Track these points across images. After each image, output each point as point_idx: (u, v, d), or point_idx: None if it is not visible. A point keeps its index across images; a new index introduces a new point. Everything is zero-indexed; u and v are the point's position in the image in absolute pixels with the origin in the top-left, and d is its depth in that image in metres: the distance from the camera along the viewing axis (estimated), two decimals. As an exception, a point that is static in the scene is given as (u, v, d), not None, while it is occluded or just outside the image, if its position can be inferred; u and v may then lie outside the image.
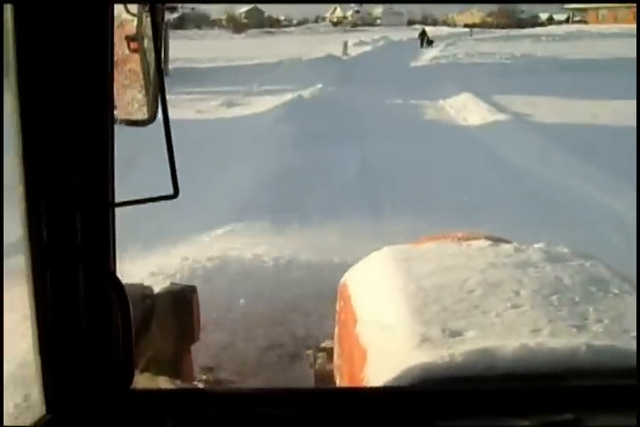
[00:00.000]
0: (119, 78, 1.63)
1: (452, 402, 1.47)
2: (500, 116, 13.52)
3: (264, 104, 15.92)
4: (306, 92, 17.55)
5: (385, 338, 1.91)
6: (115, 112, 1.32)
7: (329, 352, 2.99)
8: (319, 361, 3.13)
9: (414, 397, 1.51)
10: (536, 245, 2.46)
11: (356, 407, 1.42)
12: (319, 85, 19.01)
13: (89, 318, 1.28)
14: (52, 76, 1.18)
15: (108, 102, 1.26)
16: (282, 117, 13.62)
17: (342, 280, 2.63)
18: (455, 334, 1.83)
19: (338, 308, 2.60)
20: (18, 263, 1.27)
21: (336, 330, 2.60)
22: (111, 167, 1.28)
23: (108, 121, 1.25)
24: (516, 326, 1.86)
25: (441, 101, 16.76)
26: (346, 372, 2.16)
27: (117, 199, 1.30)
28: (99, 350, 1.30)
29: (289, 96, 16.74)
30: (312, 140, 10.97)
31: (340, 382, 2.30)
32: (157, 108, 1.65)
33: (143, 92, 1.68)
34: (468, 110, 14.95)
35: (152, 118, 1.71)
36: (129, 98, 1.75)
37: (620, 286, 2.12)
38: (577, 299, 2.03)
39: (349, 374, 2.08)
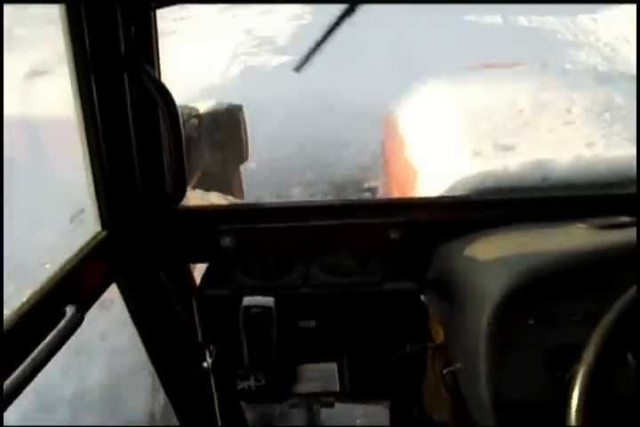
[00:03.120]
0: None
1: (508, 209, 1.47)
2: None
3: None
4: None
5: (436, 157, 1.91)
6: None
7: (374, 193, 3.03)
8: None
9: (470, 205, 1.52)
10: (585, 67, 2.40)
11: (411, 216, 1.42)
12: None
13: (139, 133, 1.27)
14: None
15: None
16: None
17: (386, 111, 2.60)
18: (507, 148, 1.82)
19: (384, 137, 2.60)
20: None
21: (383, 159, 2.61)
22: None
23: None
24: (570, 141, 1.85)
25: None
26: (398, 189, 2.18)
27: None
28: (150, 166, 1.30)
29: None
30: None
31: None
32: None
33: None
34: None
35: None
36: None
37: None
38: (629, 116, 1.99)
39: (402, 189, 2.10)
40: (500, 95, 2.19)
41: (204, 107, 1.90)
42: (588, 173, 1.66)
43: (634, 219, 1.44)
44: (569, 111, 2.02)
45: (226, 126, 1.97)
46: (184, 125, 1.64)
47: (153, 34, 1.25)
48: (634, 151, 1.74)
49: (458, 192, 1.66)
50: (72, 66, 1.16)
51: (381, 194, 2.55)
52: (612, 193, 1.60)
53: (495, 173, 1.68)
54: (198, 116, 1.75)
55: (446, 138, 1.95)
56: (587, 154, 1.73)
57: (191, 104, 1.80)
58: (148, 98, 1.28)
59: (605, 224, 1.36)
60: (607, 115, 2.00)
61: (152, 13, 1.21)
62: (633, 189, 1.63)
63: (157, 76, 1.24)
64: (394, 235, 1.34)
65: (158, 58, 1.30)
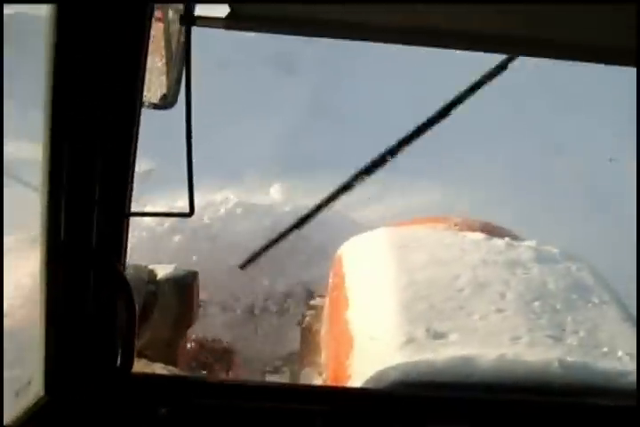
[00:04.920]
0: None
1: (428, 408, 1.58)
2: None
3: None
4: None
5: (372, 331, 2.02)
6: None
7: (318, 311, 3.12)
8: (307, 319, 3.26)
9: (391, 400, 1.62)
10: (528, 243, 2.55)
11: (334, 406, 1.53)
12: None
13: (94, 306, 1.37)
14: (83, 80, 1.20)
15: (134, 119, 1.29)
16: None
17: (338, 253, 2.72)
18: (439, 336, 1.93)
19: (331, 281, 2.70)
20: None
21: (327, 302, 2.71)
22: (131, 179, 1.33)
23: (133, 138, 1.30)
24: (497, 333, 1.97)
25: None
26: (332, 352, 2.28)
27: None
28: (100, 336, 1.39)
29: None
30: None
31: (325, 360, 2.42)
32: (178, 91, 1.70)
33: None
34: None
35: (173, 101, 1.76)
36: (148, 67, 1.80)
37: (600, 296, 2.22)
38: (558, 306, 2.13)
39: (335, 356, 2.20)
40: (443, 266, 2.32)
41: (162, 271, 2.01)
42: (506, 375, 1.78)
43: None
44: (503, 296, 2.15)
45: (181, 292, 2.09)
46: (141, 292, 1.74)
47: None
48: (553, 353, 1.87)
49: (383, 382, 1.76)
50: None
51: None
52: (526, 399, 1.72)
53: (422, 367, 1.79)
54: (156, 282, 1.85)
55: (383, 314, 2.06)
56: (509, 353, 1.85)
57: (150, 266, 1.90)
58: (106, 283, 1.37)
59: None
60: (537, 304, 2.13)
61: None
62: (546, 398, 1.75)
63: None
64: (319, 423, 1.44)
65: (125, 253, 1.41)
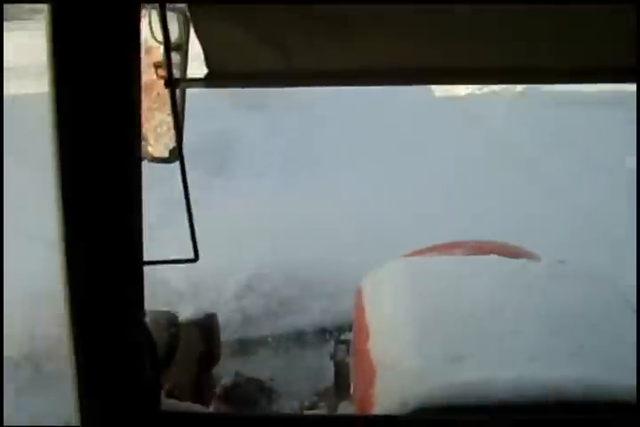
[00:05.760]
0: (147, 103, 1.74)
1: None
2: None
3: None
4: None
5: (391, 359, 2.07)
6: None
7: (348, 345, 3.16)
8: (339, 354, 3.30)
9: (413, 426, 1.66)
10: (544, 263, 2.58)
11: None
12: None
13: (119, 351, 1.44)
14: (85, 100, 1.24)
15: (138, 168, 1.35)
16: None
17: (358, 288, 2.77)
18: (456, 359, 1.97)
19: (354, 314, 2.76)
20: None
21: (352, 336, 2.76)
22: (141, 227, 1.41)
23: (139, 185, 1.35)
24: (515, 353, 2.00)
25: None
26: (359, 383, 2.33)
27: None
28: (127, 377, 1.46)
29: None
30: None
31: (353, 391, 2.47)
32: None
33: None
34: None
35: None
36: (157, 122, 1.87)
37: (621, 313, 2.23)
38: (576, 324, 2.15)
39: (361, 386, 2.25)
40: (460, 292, 2.36)
41: (183, 314, 2.09)
42: (524, 395, 1.81)
43: None
44: (519, 317, 2.18)
45: (202, 333, 2.18)
46: (162, 334, 1.81)
47: None
48: (573, 371, 1.89)
49: (405, 408, 1.80)
50: None
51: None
52: (546, 418, 1.75)
53: (441, 391, 1.84)
54: (177, 325, 1.92)
55: (402, 343, 2.10)
56: (528, 372, 1.87)
57: (173, 311, 1.98)
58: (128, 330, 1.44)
59: None
60: (555, 323, 2.15)
61: None
62: (565, 416, 1.78)
63: None
64: None
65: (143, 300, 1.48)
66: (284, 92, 6.08)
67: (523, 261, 2.59)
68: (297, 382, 4.01)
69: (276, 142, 7.19)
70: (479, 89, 8.85)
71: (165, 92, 1.75)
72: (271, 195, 5.72)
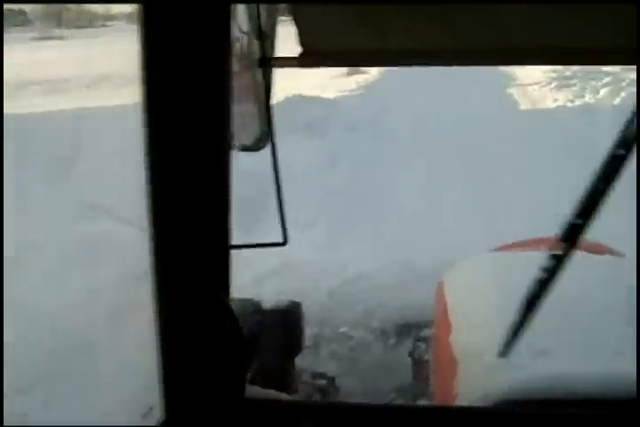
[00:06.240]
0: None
1: (532, 425, 1.61)
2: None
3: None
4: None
5: (474, 352, 2.06)
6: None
7: (428, 342, 3.16)
8: (417, 351, 3.30)
9: (495, 418, 1.66)
10: (628, 260, 2.53)
11: (439, 425, 1.57)
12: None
13: (207, 340, 1.48)
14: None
15: (227, 156, 1.39)
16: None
17: (440, 283, 2.77)
18: (539, 353, 1.95)
19: (435, 308, 2.76)
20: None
21: (433, 330, 2.76)
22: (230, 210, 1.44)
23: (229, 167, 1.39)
24: (599, 348, 1.97)
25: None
26: (439, 378, 2.33)
27: None
28: (211, 364, 1.50)
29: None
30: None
31: (434, 384, 2.47)
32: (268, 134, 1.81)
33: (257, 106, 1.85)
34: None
35: (265, 143, 1.87)
36: (244, 110, 1.92)
37: None
38: None
39: (441, 380, 2.25)
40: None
41: (267, 303, 2.13)
42: (612, 390, 1.78)
43: None
44: (605, 312, 2.15)
45: (286, 322, 2.21)
46: (247, 321, 1.85)
47: None
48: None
49: (487, 401, 1.80)
50: None
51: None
52: (631, 414, 1.72)
53: (524, 384, 1.82)
54: (261, 312, 1.96)
55: (484, 335, 2.09)
56: (614, 368, 1.85)
57: (256, 299, 2.02)
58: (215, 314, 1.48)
59: None
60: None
61: None
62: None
63: None
64: None
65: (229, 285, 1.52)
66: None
67: (607, 257, 2.55)
68: (375, 378, 4.02)
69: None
70: (571, 101, 8.66)
71: (249, 84, 1.79)
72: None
